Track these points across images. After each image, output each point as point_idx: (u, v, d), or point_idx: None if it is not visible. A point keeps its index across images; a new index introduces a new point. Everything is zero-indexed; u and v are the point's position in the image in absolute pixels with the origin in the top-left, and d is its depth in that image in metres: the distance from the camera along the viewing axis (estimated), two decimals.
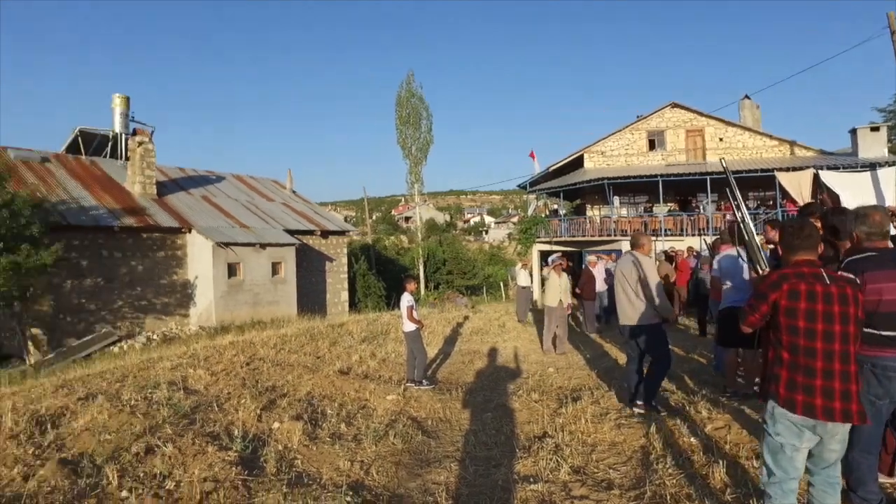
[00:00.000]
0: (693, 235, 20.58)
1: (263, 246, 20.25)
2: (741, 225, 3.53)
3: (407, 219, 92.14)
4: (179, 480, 4.22)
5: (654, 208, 24.63)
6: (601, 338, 11.11)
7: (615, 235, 22.75)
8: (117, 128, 24.43)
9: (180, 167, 25.69)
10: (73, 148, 23.47)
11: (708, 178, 21.36)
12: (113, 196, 19.59)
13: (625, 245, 21.20)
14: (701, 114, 25.54)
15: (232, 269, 19.36)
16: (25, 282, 14.12)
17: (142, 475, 4.34)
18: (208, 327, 17.99)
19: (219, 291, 18.82)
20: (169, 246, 19.41)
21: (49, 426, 5.42)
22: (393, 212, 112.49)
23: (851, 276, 2.95)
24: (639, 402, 5.69)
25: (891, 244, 3.32)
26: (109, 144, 24.12)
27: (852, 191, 17.78)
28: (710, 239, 19.42)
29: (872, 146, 21.16)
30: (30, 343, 15.87)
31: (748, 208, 21.64)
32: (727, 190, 3.97)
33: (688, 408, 5.54)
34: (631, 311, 5.75)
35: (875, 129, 21.75)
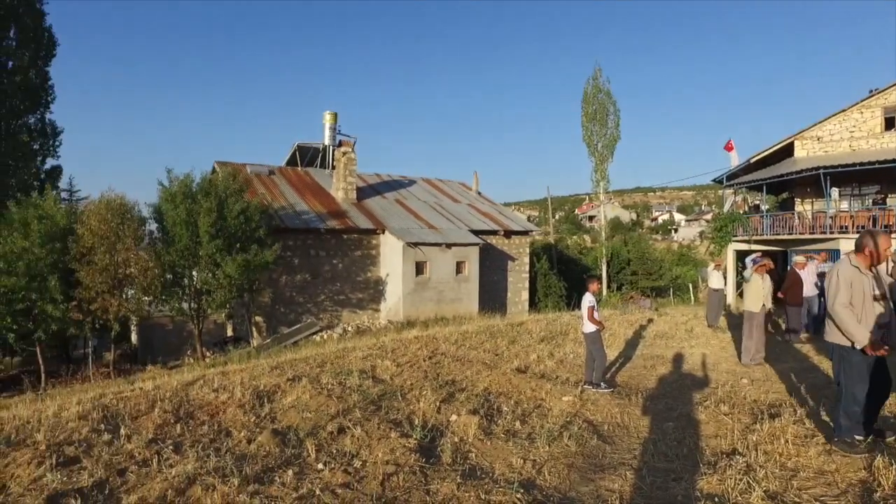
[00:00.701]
0: None
1: (449, 245, 21.19)
2: None
3: (591, 218, 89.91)
4: (365, 460, 4.64)
5: (886, 200, 20.87)
6: (809, 349, 9.76)
7: (831, 233, 19.74)
8: (326, 140, 27.65)
9: (377, 173, 28.02)
10: (292, 161, 27.19)
11: None
12: (320, 201, 22.09)
13: (844, 244, 18.34)
14: None
15: (419, 268, 20.57)
16: (253, 276, 16.56)
17: (334, 451, 4.86)
18: (396, 322, 19.36)
19: (407, 288, 20.13)
20: (365, 246, 21.30)
21: (265, 400, 6.33)
22: (576, 211, 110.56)
23: None
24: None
25: None
26: (320, 156, 27.49)
27: None
28: None
29: None
30: (253, 329, 18.60)
31: None
32: None
33: None
34: (829, 324, 4.87)
35: None
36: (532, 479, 4.56)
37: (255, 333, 18.67)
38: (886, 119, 22.38)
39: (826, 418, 5.55)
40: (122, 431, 5.51)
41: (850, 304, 4.47)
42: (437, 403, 6.28)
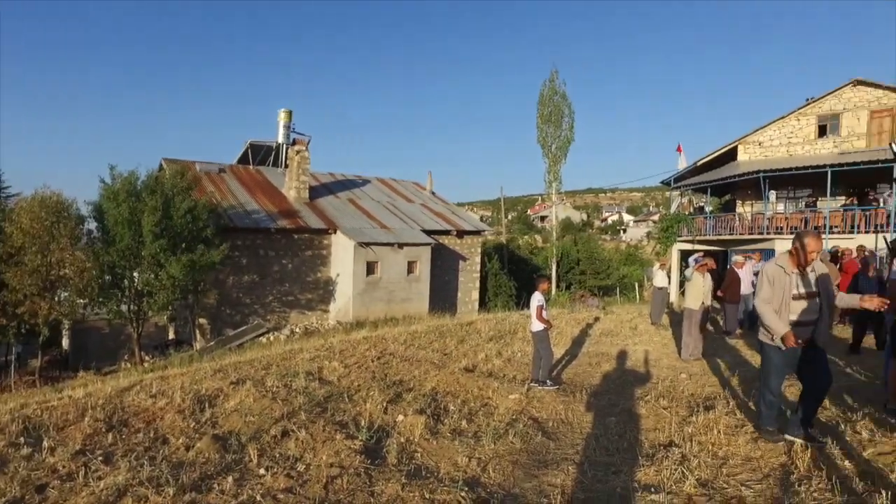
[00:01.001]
0: (868, 233, 18.13)
1: (401, 245, 21.14)
2: None
3: (543, 218, 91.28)
4: (309, 464, 4.57)
5: (817, 203, 22.01)
6: (743, 344, 10.19)
7: (767, 233, 20.69)
8: (280, 139, 27.21)
9: (331, 172, 27.71)
10: (244, 159, 26.65)
11: (895, 165, 18.28)
12: (271, 200, 21.68)
13: (779, 244, 19.23)
14: (893, 89, 22.04)
15: (370, 268, 20.46)
16: (199, 277, 16.10)
17: (277, 456, 4.76)
18: (345, 322, 19.20)
19: (357, 288, 19.98)
20: (316, 246, 21.02)
21: (207, 405, 6.16)
22: (529, 211, 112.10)
23: None
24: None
25: None
26: (273, 154, 27.04)
27: None
28: (890, 236, 16.99)
29: None
30: (197, 331, 18.09)
31: None
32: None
33: (843, 427, 4.90)
34: (760, 321, 5.04)
35: None
36: (477, 477, 4.59)
37: (198, 336, 18.14)
38: (820, 126, 23.60)
39: (754, 408, 5.81)
40: (46, 444, 5.24)
41: (770, 301, 4.64)
42: (384, 404, 6.25)
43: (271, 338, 17.35)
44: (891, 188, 18.87)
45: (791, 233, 19.97)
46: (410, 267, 21.54)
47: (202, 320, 18.42)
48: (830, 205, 20.83)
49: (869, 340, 9.14)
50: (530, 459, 5.05)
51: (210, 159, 24.13)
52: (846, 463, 4.22)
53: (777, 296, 4.63)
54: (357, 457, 4.65)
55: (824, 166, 19.87)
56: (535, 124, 32.54)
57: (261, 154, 27.14)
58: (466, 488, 4.23)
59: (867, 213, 19.21)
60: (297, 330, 18.75)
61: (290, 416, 5.75)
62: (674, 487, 4.07)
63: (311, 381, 7.21)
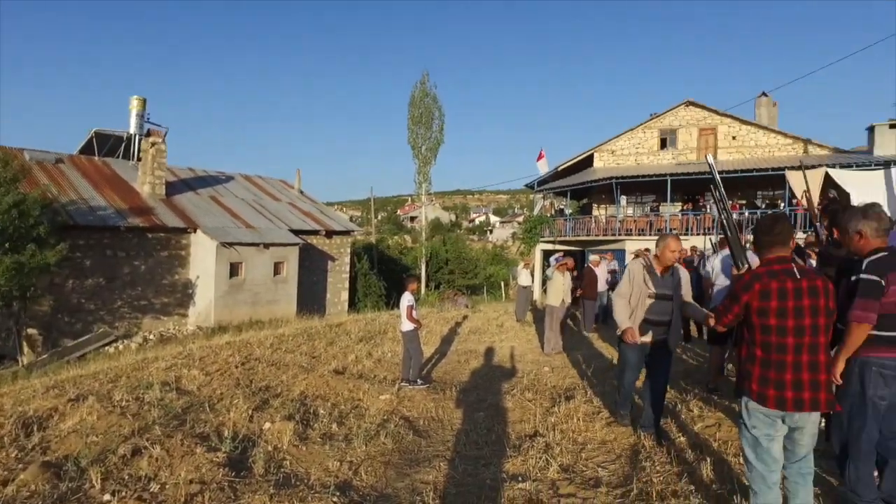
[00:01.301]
0: (699, 235, 20.42)
1: (267, 246, 20.26)
2: (724, 223, 3.48)
3: (412, 218, 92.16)
4: (165, 483, 4.18)
5: (660, 207, 24.44)
6: (598, 338, 11.02)
7: (620, 235, 22.61)
8: (132, 129, 24.72)
9: (191, 167, 25.75)
10: (88, 149, 23.81)
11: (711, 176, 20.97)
12: (122, 196, 19.67)
13: (629, 245, 21.01)
14: (715, 112, 25.19)
15: (234, 269, 19.39)
16: (27, 282, 14.18)
17: (126, 478, 4.30)
18: (206, 327, 18.03)
19: (219, 291, 18.84)
20: (173, 246, 19.46)
21: (35, 428, 5.41)
22: (399, 212, 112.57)
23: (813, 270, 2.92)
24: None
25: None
26: (123, 145, 24.45)
27: (863, 189, 17.43)
28: (715, 238, 19.27)
29: (890, 143, 20.57)
30: (24, 344, 15.91)
31: (758, 207, 21.48)
32: (711, 187, 3.92)
33: (679, 406, 5.47)
34: None
35: (894, 125, 21.14)
36: (349, 481, 4.52)
37: (26, 350, 15.95)
38: (661, 139, 26.28)
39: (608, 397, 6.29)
40: None
41: (626, 296, 4.88)
42: (250, 412, 5.93)
43: (120, 347, 15.78)
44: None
45: (639, 234, 22.03)
46: (277, 268, 20.72)
47: (32, 331, 16.24)
48: (671, 209, 23.29)
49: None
50: (402, 459, 5.07)
51: (45, 148, 21.39)
52: (681, 437, 4.73)
53: (635, 293, 4.80)
54: (220, 470, 4.36)
55: (664, 175, 22.20)
56: (406, 125, 32.78)
57: (108, 144, 24.43)
58: (338, 493, 4.15)
59: (698, 217, 21.73)
60: (152, 337, 17.25)
61: (143, 431, 5.23)
62: (539, 475, 4.29)
63: (168, 391, 6.65)
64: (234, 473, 4.35)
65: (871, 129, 21.32)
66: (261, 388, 7.13)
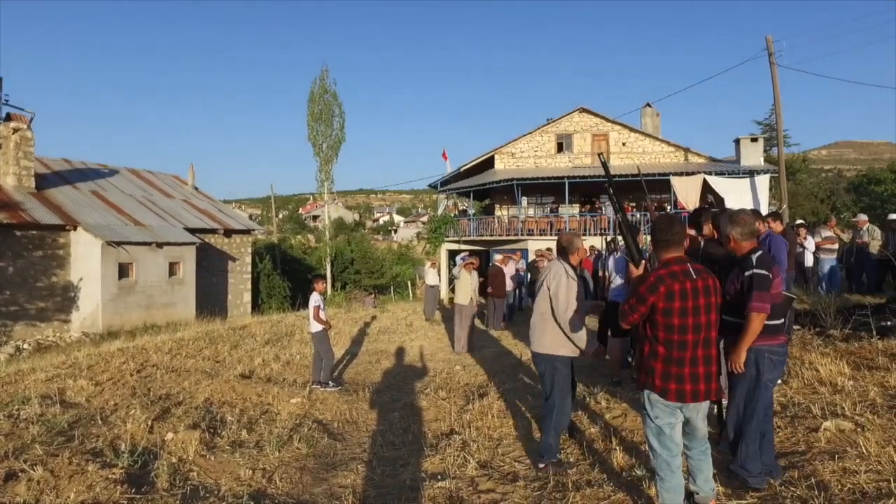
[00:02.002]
0: (596, 235, 21.51)
1: (160, 245, 19.02)
2: (619, 223, 3.66)
3: (315, 217, 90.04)
4: None
5: (559, 209, 25.49)
6: (507, 335, 11.33)
7: (522, 235, 23.35)
8: None
9: (66, 159, 23.56)
10: None
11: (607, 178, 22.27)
12: None
13: (532, 244, 21.74)
14: (606, 119, 26.66)
15: (123, 270, 18.03)
16: None
17: None
18: (94, 333, 16.65)
19: (107, 294, 17.45)
20: (49, 245, 17.72)
21: None
22: (301, 210, 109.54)
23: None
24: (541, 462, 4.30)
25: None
26: None
27: (735, 195, 19.58)
28: (609, 238, 20.48)
29: (752, 155, 23.03)
30: None
31: (644, 211, 22.96)
32: (605, 187, 4.14)
33: (588, 399, 5.74)
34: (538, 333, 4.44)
35: (754, 139, 23.72)
36: (263, 489, 4.36)
37: None
38: (558, 143, 27.43)
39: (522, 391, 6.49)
40: None
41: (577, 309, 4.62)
42: (149, 422, 5.54)
43: None
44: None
45: (540, 234, 22.87)
46: (172, 268, 19.51)
47: None
48: (569, 211, 24.38)
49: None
50: (318, 463, 4.96)
51: None
52: (592, 429, 4.96)
53: (572, 300, 4.25)
54: (118, 487, 4.04)
55: (562, 178, 23.25)
56: (305, 122, 31.92)
57: None
58: (252, 502, 4.01)
59: (595, 218, 22.94)
60: (27, 346, 15.63)
61: (20, 452, 4.69)
62: (458, 472, 4.34)
63: (50, 405, 6.05)
64: (133, 490, 4.06)
65: (737, 142, 23.67)
66: (160, 396, 6.69)
